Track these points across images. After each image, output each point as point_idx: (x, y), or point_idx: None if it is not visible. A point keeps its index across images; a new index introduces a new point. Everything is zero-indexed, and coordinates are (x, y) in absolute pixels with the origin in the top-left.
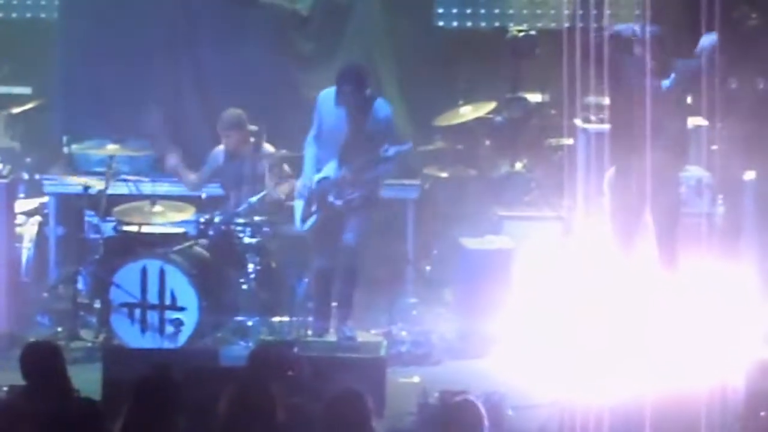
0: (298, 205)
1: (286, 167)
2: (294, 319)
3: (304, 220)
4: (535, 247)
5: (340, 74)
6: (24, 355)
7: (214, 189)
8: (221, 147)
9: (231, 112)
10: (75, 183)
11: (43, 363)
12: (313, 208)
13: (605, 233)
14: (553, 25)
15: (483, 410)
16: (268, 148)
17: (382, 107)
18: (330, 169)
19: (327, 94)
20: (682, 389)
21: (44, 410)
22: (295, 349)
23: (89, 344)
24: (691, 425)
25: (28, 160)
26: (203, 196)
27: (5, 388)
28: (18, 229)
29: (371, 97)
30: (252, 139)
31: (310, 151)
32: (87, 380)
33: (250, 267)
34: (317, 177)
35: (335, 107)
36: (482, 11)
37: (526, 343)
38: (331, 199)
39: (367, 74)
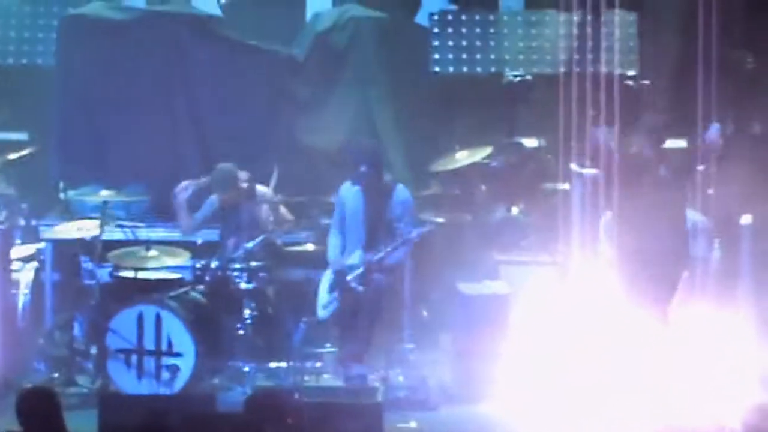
0: (323, 292)
1: (283, 210)
2: (291, 364)
3: (325, 308)
4: (531, 292)
5: (354, 155)
6: (20, 401)
7: (210, 234)
8: (216, 196)
9: (222, 169)
10: (71, 229)
11: (39, 409)
12: (335, 295)
13: (602, 278)
14: (548, 70)
15: None
16: (262, 189)
17: (401, 192)
18: (355, 258)
19: (348, 185)
20: None
21: None
22: (295, 395)
23: (85, 390)
24: None
25: (24, 206)
26: (199, 241)
27: None
28: (14, 275)
29: (391, 182)
30: (245, 185)
31: (333, 241)
32: (83, 427)
33: (247, 312)
34: (345, 262)
35: (355, 193)
36: (478, 57)
37: (524, 388)
38: (353, 285)
39: (380, 154)
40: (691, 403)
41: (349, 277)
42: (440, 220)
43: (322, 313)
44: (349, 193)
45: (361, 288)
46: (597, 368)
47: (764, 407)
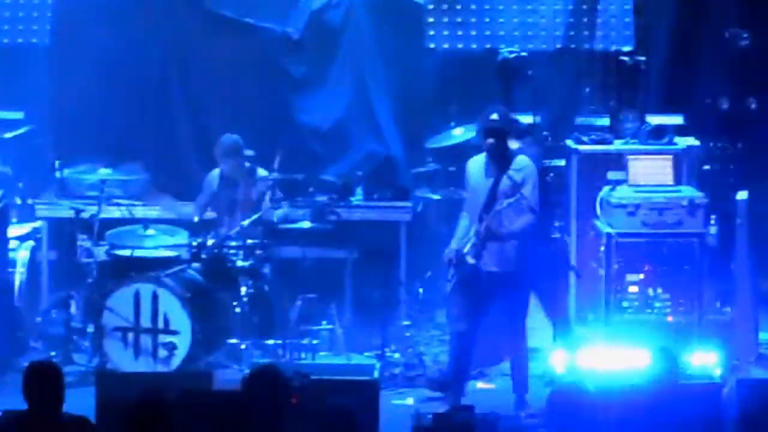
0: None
1: (279, 192)
2: (287, 341)
3: (449, 281)
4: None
5: (485, 127)
6: (28, 375)
7: (207, 213)
8: (216, 172)
9: (229, 137)
10: (67, 207)
11: (46, 384)
12: (453, 272)
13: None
14: (544, 46)
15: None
16: (262, 172)
17: (522, 160)
18: (471, 231)
19: (472, 160)
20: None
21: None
22: (293, 372)
23: (82, 368)
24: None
25: (21, 184)
26: (195, 219)
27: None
28: (11, 254)
29: (512, 152)
30: (247, 164)
31: (460, 224)
32: (80, 405)
33: (243, 290)
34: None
35: (480, 166)
36: (473, 33)
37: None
38: (468, 259)
39: (506, 126)
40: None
41: (465, 250)
42: (436, 196)
43: (447, 287)
44: (473, 166)
45: (473, 261)
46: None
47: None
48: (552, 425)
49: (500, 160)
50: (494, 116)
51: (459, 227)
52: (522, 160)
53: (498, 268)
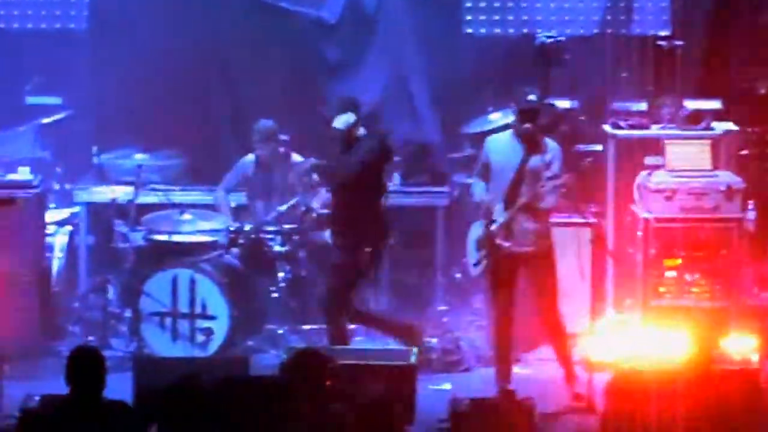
0: (471, 249)
1: (315, 176)
2: (324, 326)
3: (476, 265)
4: (564, 253)
5: (521, 109)
6: (72, 359)
7: (244, 198)
8: (251, 157)
9: (264, 123)
10: (105, 192)
11: (88, 368)
12: (483, 254)
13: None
14: (581, 31)
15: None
16: (296, 157)
17: (550, 143)
18: (498, 213)
19: (494, 138)
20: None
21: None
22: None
23: (120, 353)
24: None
25: (59, 170)
26: (233, 204)
27: (37, 398)
28: (48, 239)
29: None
30: (282, 149)
31: (478, 186)
32: (118, 390)
33: (281, 275)
34: (487, 221)
35: (508, 146)
36: (510, 18)
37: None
38: (499, 241)
39: (543, 112)
40: None
41: (492, 228)
42: (472, 181)
43: (473, 271)
44: (497, 144)
45: (506, 243)
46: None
47: None
48: (608, 410)
49: (530, 141)
50: (531, 98)
51: (478, 187)
52: (550, 142)
53: (531, 248)
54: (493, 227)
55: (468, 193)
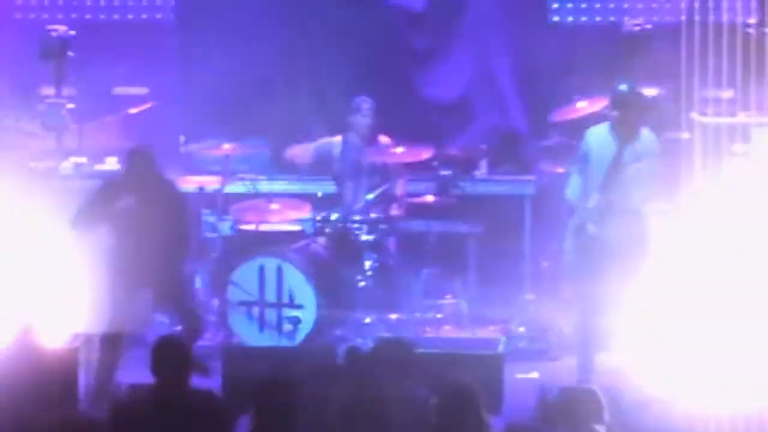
0: (568, 238)
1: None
2: (411, 316)
3: (567, 254)
4: (653, 241)
5: (612, 98)
6: (156, 349)
7: (330, 187)
8: (338, 138)
9: (363, 98)
10: (192, 182)
11: (173, 357)
12: (572, 241)
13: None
14: (668, 18)
15: (603, 400)
16: (384, 139)
17: (645, 135)
18: (592, 201)
19: (594, 130)
20: None
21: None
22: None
23: (208, 343)
24: None
25: None
26: (319, 194)
27: (124, 387)
28: None
29: (638, 124)
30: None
31: (573, 181)
32: (206, 379)
33: (367, 264)
34: (582, 208)
35: (605, 137)
36: (597, 5)
37: (647, 338)
38: (590, 229)
39: (636, 98)
40: None
41: (585, 216)
42: (560, 170)
43: (566, 258)
44: (596, 136)
45: (594, 229)
46: (721, 324)
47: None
48: None
49: (625, 131)
50: (622, 87)
51: (572, 183)
52: (645, 133)
53: (621, 239)
54: (587, 216)
55: (555, 181)
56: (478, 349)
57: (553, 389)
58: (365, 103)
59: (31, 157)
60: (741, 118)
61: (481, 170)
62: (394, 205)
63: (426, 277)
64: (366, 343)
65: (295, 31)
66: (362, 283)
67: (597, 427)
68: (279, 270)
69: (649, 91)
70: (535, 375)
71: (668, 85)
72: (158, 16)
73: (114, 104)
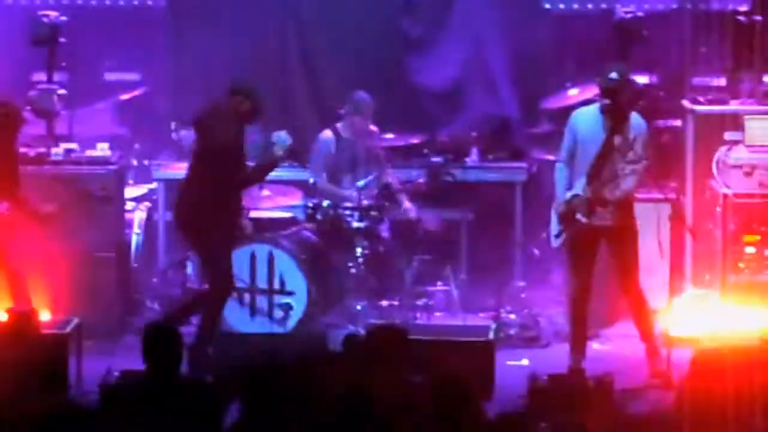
0: (554, 221)
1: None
2: (402, 302)
3: (556, 237)
4: (643, 229)
5: (602, 86)
6: (147, 336)
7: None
8: (328, 133)
9: (364, 96)
10: (183, 168)
11: (164, 345)
12: (563, 227)
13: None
14: (660, 6)
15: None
16: (374, 128)
17: (635, 118)
18: (579, 187)
19: (581, 112)
20: None
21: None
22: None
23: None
24: None
25: (137, 146)
26: (311, 181)
27: (117, 374)
28: (127, 215)
29: (627, 110)
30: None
31: (560, 174)
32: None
33: (359, 251)
34: (568, 195)
35: (594, 120)
36: None
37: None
38: (579, 216)
39: (627, 84)
40: None
41: (573, 202)
42: (551, 157)
43: (554, 242)
44: (584, 119)
45: (584, 219)
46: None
47: None
48: (685, 387)
49: (615, 119)
50: (613, 75)
51: (559, 178)
52: (636, 119)
53: (611, 222)
54: (574, 201)
55: (546, 168)
56: (469, 336)
57: (543, 376)
58: (366, 103)
59: (21, 142)
60: (732, 106)
61: (472, 157)
62: (403, 199)
63: (417, 264)
64: (357, 330)
65: (288, 17)
66: (353, 270)
67: (586, 413)
68: (270, 256)
69: (641, 79)
70: (525, 362)
71: (660, 73)
72: (150, 2)
73: (105, 90)
